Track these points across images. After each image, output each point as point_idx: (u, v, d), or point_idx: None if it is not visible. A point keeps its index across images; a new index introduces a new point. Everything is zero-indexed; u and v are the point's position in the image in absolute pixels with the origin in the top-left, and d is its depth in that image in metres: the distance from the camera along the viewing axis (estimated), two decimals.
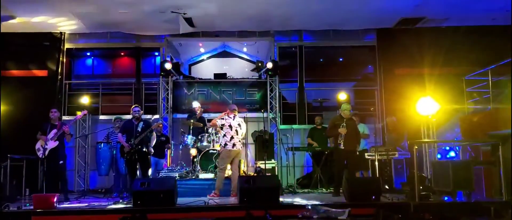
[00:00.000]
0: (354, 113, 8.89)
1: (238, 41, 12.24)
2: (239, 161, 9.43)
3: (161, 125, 8.83)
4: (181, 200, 6.77)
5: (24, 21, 10.33)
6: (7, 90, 10.14)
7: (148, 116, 10.92)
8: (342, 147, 7.68)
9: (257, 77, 11.81)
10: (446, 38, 10.74)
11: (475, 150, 8.04)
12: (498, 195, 6.71)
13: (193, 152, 9.31)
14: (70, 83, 11.97)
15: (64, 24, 10.85)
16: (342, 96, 10.71)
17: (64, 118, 10.59)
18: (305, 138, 10.39)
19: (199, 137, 9.19)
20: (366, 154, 8.80)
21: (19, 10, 9.80)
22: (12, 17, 10.01)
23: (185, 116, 10.45)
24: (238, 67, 13.15)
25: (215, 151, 8.86)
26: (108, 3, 9.60)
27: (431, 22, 10.85)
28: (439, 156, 8.89)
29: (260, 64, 11.43)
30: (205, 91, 11.49)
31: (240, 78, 11.92)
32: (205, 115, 10.34)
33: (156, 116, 11.22)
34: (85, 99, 11.02)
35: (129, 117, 8.27)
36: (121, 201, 7.29)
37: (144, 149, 7.57)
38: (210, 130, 9.19)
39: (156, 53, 12.65)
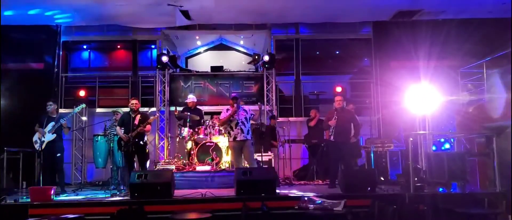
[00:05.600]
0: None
1: (234, 34, 12.22)
2: None
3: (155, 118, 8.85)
4: (178, 192, 6.80)
5: (20, 14, 10.29)
6: (3, 83, 10.14)
7: (145, 109, 10.97)
8: (332, 139, 7.72)
9: (254, 70, 11.82)
10: (442, 31, 10.77)
11: (469, 142, 8.10)
12: (492, 186, 6.76)
13: (189, 145, 9.33)
14: (67, 76, 11.96)
15: (60, 17, 10.81)
16: (338, 89, 10.76)
17: (61, 111, 10.57)
18: (302, 130, 10.42)
19: (196, 130, 9.21)
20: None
21: (16, 2, 9.76)
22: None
23: (180, 108, 10.38)
24: (234, 60, 13.14)
25: (211, 144, 8.89)
26: None
27: (427, 15, 10.88)
28: (434, 148, 8.95)
29: (256, 57, 11.44)
30: (201, 84, 11.50)
31: (236, 71, 11.93)
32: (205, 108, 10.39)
33: (153, 109, 11.25)
34: (81, 92, 11.00)
35: (126, 109, 8.28)
36: (118, 193, 7.33)
37: (141, 142, 7.59)
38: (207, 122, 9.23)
39: (153, 46, 12.65)
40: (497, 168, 6.60)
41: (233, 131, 7.59)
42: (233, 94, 7.87)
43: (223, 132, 9.38)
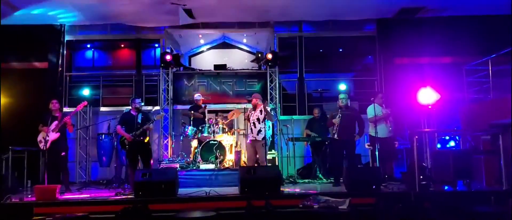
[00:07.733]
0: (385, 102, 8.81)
1: (237, 32, 12.19)
2: (240, 152, 9.50)
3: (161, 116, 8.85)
4: (182, 191, 6.81)
5: (24, 13, 10.30)
6: (7, 82, 10.16)
7: (149, 107, 10.98)
8: (336, 137, 7.71)
9: (257, 68, 11.80)
10: (446, 28, 10.72)
11: (475, 140, 8.06)
12: (498, 184, 6.73)
13: (194, 143, 9.34)
14: (71, 76, 11.96)
15: (64, 16, 10.81)
16: (341, 86, 10.72)
17: (65, 109, 10.61)
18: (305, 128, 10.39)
19: (200, 128, 9.22)
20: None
21: (19, 1, 9.76)
22: (13, 9, 9.98)
23: (187, 107, 10.41)
24: (238, 58, 13.13)
25: (215, 142, 8.89)
26: None
27: (431, 12, 10.79)
28: (439, 146, 8.92)
29: (260, 55, 11.41)
30: (205, 82, 11.50)
31: (240, 70, 11.91)
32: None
33: (157, 107, 11.25)
34: (85, 91, 11.01)
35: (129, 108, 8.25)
36: (122, 192, 7.33)
37: (144, 140, 7.57)
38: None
39: (156, 45, 12.63)
40: (503, 165, 6.57)
41: (247, 130, 7.77)
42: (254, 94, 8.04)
43: (226, 130, 9.43)
